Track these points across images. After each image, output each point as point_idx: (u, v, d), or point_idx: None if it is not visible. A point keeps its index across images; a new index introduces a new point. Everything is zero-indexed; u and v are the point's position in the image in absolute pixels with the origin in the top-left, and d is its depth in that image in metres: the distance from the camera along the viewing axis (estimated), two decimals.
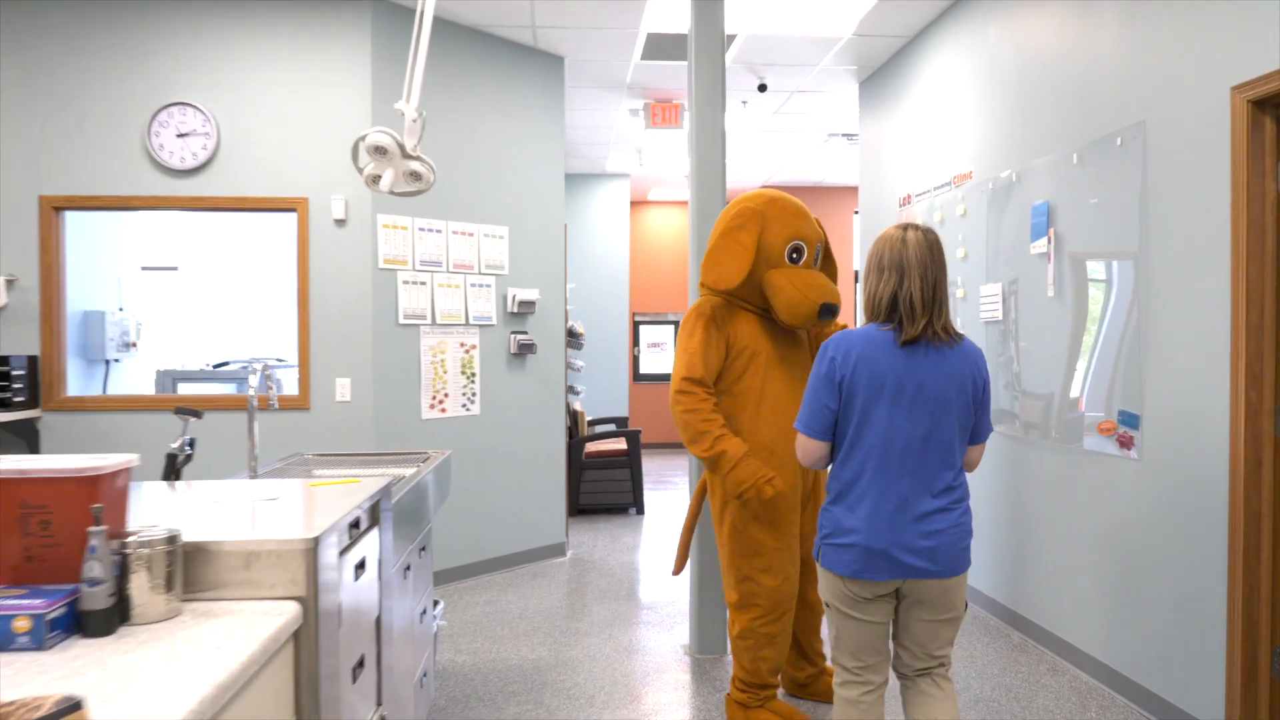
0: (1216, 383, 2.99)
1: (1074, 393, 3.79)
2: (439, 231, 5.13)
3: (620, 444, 7.46)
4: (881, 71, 6.03)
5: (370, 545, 2.16)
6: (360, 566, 2.03)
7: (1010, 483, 4.37)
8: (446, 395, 5.16)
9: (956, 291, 4.85)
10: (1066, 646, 3.87)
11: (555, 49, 5.70)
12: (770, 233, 3.08)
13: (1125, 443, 3.46)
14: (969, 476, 4.78)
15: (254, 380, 2.85)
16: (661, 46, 5.70)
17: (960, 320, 4.84)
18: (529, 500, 5.65)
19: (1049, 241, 3.94)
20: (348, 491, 2.14)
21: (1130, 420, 3.43)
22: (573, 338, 8.20)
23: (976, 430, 2.36)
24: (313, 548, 1.61)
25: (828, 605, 2.39)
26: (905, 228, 2.34)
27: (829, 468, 2.41)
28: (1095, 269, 3.65)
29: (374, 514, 2.27)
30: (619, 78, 6.36)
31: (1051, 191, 3.95)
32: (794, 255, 3.10)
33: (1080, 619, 3.79)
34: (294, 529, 1.69)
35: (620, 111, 7.27)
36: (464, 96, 5.27)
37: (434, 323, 5.11)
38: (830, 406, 2.30)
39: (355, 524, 2.10)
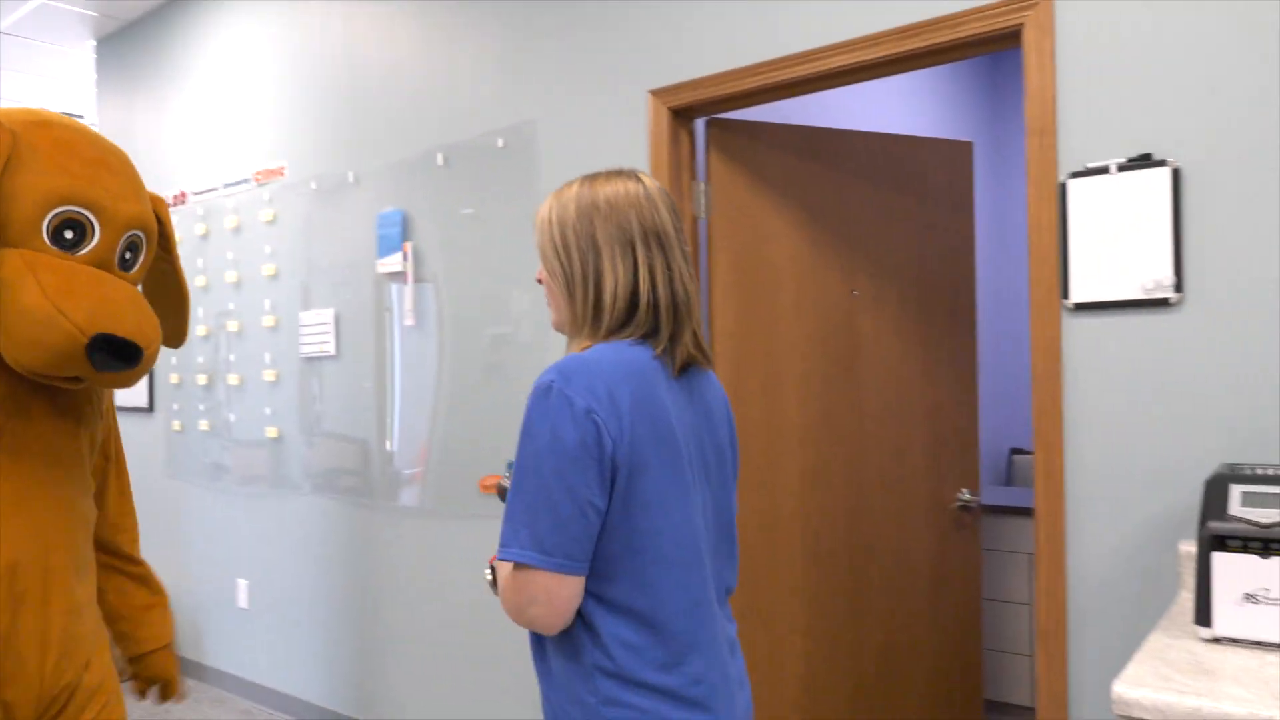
0: None
1: (435, 440, 3.11)
2: None
3: None
4: (138, 27, 4.57)
5: None
6: None
7: (348, 557, 3.46)
8: None
9: (265, 319, 3.76)
10: None
11: None
12: (21, 177, 1.48)
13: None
14: None
15: None
16: None
17: (269, 356, 3.76)
18: None
19: (405, 259, 3.21)
20: None
21: None
22: None
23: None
24: None
25: None
26: (630, 176, 1.32)
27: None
28: (473, 292, 3.04)
29: None
30: None
31: (407, 198, 3.23)
32: (66, 234, 1.52)
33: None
34: None
35: None
36: None
37: None
38: (597, 504, 1.18)
39: None
